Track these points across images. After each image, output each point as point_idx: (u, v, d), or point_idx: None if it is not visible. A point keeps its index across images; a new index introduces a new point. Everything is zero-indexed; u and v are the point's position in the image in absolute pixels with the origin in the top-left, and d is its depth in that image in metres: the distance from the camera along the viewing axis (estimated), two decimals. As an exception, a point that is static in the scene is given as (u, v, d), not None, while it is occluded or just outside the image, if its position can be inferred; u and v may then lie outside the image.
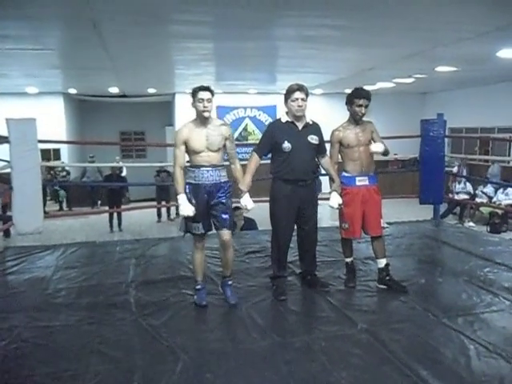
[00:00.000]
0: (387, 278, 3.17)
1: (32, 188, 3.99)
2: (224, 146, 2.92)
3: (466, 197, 9.06)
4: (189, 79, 9.61)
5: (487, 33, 5.75)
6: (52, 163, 10.05)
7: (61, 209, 10.87)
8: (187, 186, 2.87)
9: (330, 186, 3.22)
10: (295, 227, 3.19)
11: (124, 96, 12.73)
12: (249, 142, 12.97)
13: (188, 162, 2.93)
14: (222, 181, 2.91)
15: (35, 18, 4.93)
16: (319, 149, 3.13)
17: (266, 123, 12.86)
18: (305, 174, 3.04)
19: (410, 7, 4.66)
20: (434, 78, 9.77)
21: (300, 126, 3.04)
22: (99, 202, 11.31)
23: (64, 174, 11.38)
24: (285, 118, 3.07)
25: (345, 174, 3.22)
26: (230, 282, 3.04)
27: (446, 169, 9.40)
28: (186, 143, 2.84)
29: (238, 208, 5.72)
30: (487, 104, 10.47)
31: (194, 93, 2.82)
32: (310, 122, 3.10)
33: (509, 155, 9.89)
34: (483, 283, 3.24)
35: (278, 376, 2.11)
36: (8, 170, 4.13)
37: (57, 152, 12.04)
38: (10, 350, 2.38)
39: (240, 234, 4.97)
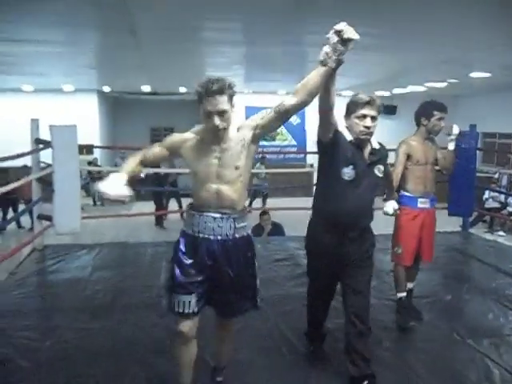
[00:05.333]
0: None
1: (72, 191, 4.20)
2: (250, 149, 1.87)
3: (497, 205, 8.89)
4: (219, 80, 9.77)
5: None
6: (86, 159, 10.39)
7: (94, 204, 11.23)
8: (181, 239, 1.91)
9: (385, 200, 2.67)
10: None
11: (155, 94, 13.00)
12: (277, 142, 13.03)
13: (190, 204, 1.95)
14: (238, 236, 1.88)
15: (74, 25, 5.14)
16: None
17: (295, 124, 12.90)
18: (360, 220, 2.20)
19: (443, 14, 4.63)
20: (467, 83, 9.59)
21: (366, 152, 2.21)
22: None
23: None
24: (348, 136, 2.18)
25: (405, 193, 2.87)
26: (219, 379, 2.13)
27: (485, 174, 9.23)
28: (176, 152, 1.90)
29: (265, 213, 5.84)
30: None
31: (200, 97, 1.78)
32: (377, 147, 2.25)
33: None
34: (511, 303, 3.24)
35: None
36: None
37: (89, 147, 12.40)
38: (55, 350, 2.56)
39: (267, 239, 5.07)
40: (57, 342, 2.65)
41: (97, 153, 12.33)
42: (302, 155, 12.83)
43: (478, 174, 6.36)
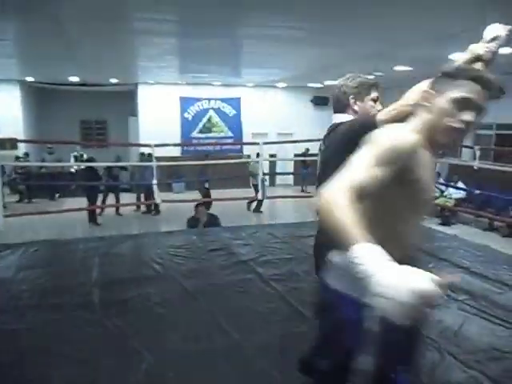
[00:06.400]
0: None
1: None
2: None
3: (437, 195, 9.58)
4: (153, 71, 9.57)
5: (441, 38, 6.10)
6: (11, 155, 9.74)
7: (20, 200, 10.57)
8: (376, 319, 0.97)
9: None
10: None
11: (84, 85, 12.44)
12: (213, 134, 13.04)
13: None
14: None
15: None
16: None
17: (231, 115, 12.94)
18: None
19: (370, 12, 4.89)
20: (391, 76, 10.16)
21: None
22: (57, 195, 11.09)
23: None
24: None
25: None
26: None
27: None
28: (403, 167, 1.10)
29: (200, 204, 5.87)
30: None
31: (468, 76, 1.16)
32: None
33: (460, 155, 10.37)
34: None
35: (238, 374, 2.29)
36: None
37: (13, 141, 11.60)
38: (-24, 355, 2.44)
39: (203, 230, 5.10)
40: (-22, 346, 2.52)
41: (22, 147, 11.61)
42: (239, 146, 12.92)
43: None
